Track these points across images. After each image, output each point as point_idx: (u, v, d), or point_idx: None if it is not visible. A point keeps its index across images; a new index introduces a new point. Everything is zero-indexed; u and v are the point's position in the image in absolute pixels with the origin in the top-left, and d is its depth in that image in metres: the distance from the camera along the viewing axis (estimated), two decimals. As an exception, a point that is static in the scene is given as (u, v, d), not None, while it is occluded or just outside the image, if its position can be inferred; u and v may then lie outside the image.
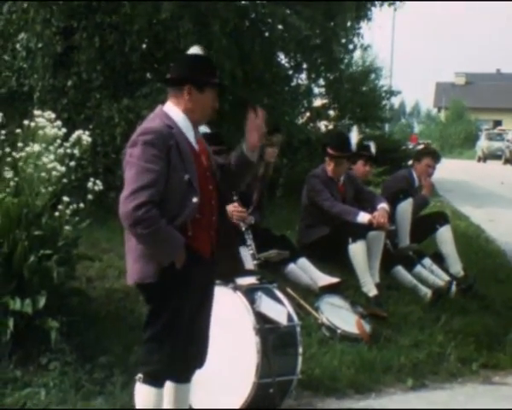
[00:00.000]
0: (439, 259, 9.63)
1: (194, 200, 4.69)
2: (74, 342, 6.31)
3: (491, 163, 47.99)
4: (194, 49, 4.97)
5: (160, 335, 4.73)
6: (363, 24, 15.47)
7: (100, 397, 6.01)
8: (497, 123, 72.23)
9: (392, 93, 24.86)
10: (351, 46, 15.94)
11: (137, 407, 4.85)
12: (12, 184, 6.47)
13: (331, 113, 17.65)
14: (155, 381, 4.79)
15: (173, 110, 4.81)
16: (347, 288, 8.37)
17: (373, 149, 9.52)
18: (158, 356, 4.75)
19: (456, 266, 9.50)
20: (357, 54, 22.37)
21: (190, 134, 4.83)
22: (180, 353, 4.82)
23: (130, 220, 4.51)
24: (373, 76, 25.31)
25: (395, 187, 9.66)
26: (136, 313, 7.11)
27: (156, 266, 4.62)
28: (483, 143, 53.25)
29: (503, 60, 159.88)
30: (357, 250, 8.47)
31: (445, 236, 9.64)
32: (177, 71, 4.89)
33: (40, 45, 11.07)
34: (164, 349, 4.74)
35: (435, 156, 10.00)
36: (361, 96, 20.16)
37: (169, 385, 4.96)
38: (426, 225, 9.67)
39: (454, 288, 9.06)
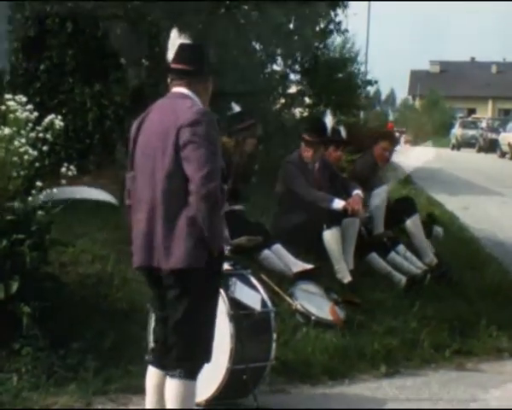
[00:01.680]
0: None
1: (225, 187, 4.77)
2: (47, 328, 6.26)
3: (465, 151, 48.23)
4: (175, 35, 4.84)
5: (201, 327, 4.72)
6: (340, 11, 15.47)
7: (73, 383, 5.99)
8: (472, 111, 72.65)
9: (369, 83, 24.65)
10: (326, 31, 15.92)
11: (180, 405, 4.72)
12: (-17, 168, 6.41)
13: (306, 99, 17.56)
14: (195, 374, 4.80)
15: (196, 98, 4.78)
16: (322, 274, 8.35)
17: (343, 133, 9.51)
18: (200, 349, 4.76)
19: (429, 256, 9.47)
20: (333, 41, 22.25)
21: None
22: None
23: (216, 198, 4.49)
24: (349, 64, 25.12)
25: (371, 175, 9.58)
26: (110, 298, 7.08)
27: (206, 253, 4.60)
28: (457, 131, 53.45)
29: (477, 48, 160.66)
30: (331, 237, 8.47)
31: (413, 227, 9.55)
32: (201, 62, 4.85)
33: (10, 29, 10.92)
34: (204, 341, 4.76)
35: (392, 140, 9.97)
36: (336, 82, 20.06)
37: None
38: (393, 215, 9.52)
39: (428, 275, 9.09)
